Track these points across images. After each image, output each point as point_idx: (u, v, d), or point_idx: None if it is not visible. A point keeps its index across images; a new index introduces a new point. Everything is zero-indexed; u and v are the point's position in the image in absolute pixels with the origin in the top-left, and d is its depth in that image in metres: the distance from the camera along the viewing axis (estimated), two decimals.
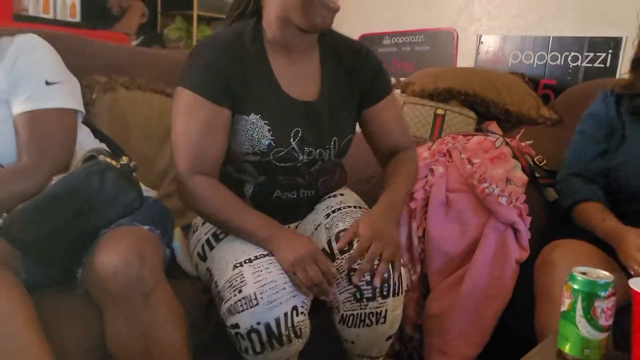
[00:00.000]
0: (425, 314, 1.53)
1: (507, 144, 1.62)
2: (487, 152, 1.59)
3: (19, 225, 0.98)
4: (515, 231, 1.45)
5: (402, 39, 2.80)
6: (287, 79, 1.15)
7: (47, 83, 1.11)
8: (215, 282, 1.08)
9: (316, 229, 1.22)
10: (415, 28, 2.75)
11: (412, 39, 2.76)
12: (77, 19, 2.92)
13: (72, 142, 1.14)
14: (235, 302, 1.00)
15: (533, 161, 1.68)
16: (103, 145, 1.28)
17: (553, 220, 1.56)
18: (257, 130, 1.11)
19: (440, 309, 1.49)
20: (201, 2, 3.36)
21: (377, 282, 1.06)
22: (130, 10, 3.08)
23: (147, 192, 1.30)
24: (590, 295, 0.74)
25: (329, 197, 1.29)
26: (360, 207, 1.25)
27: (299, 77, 1.17)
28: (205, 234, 1.19)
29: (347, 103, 1.23)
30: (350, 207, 1.24)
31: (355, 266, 1.07)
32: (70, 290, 1.04)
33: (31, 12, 2.73)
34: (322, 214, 1.23)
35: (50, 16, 2.80)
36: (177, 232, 1.29)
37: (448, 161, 1.61)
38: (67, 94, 1.14)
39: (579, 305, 0.75)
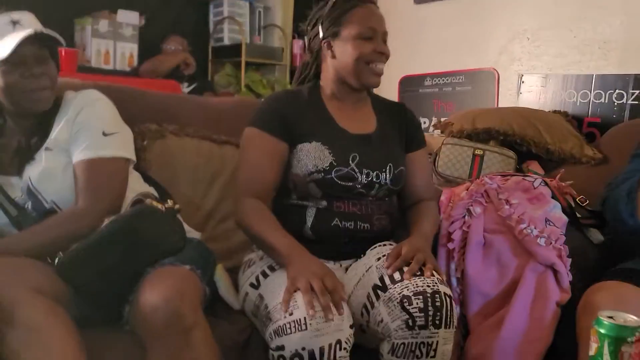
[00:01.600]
0: (465, 356, 1.51)
1: (546, 184, 1.60)
2: (526, 192, 1.59)
3: (73, 264, 1.07)
4: (556, 273, 1.43)
5: (443, 80, 2.84)
6: (342, 119, 1.36)
7: (104, 134, 1.22)
8: (266, 304, 1.15)
9: (367, 270, 1.26)
10: (456, 69, 2.78)
11: (453, 79, 2.79)
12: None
13: (123, 187, 1.23)
14: (285, 324, 1.06)
15: (575, 201, 1.65)
16: (152, 190, 1.37)
17: (599, 263, 1.53)
18: (319, 152, 1.29)
19: (480, 351, 1.47)
20: (249, 49, 3.53)
21: (427, 274, 1.15)
22: (168, 53, 3.25)
23: (191, 233, 1.38)
24: (617, 340, 0.74)
25: (380, 245, 1.34)
26: None
27: (354, 118, 1.39)
28: (261, 267, 1.27)
29: (398, 140, 1.42)
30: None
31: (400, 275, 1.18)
32: (118, 328, 1.11)
33: (93, 64, 2.96)
34: (373, 258, 1.29)
35: (110, 67, 3.02)
36: (220, 268, 1.35)
37: (486, 202, 1.61)
38: (121, 144, 1.25)
39: (605, 350, 0.74)
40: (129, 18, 3.11)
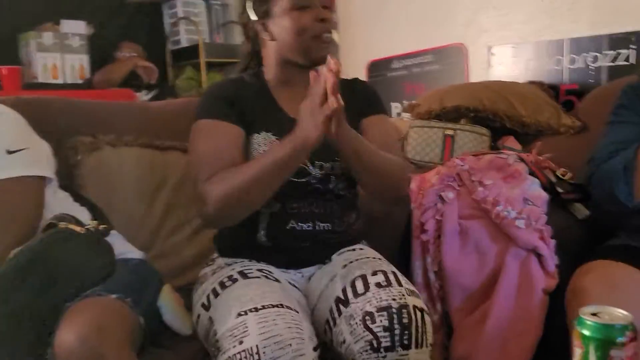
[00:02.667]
0: (451, 357, 1.38)
1: (521, 160, 1.47)
2: (500, 171, 1.46)
3: None
4: (540, 257, 1.30)
5: (411, 61, 2.70)
6: (291, 106, 1.18)
7: (9, 152, 1.07)
8: (215, 330, 1.00)
9: (331, 280, 1.14)
10: (423, 48, 2.64)
11: (421, 59, 2.66)
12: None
13: (35, 211, 1.08)
14: (235, 355, 0.93)
15: (556, 175, 1.52)
16: (83, 210, 1.22)
17: (585, 241, 1.40)
18: (268, 145, 1.14)
19: (466, 349, 1.34)
20: (208, 49, 3.37)
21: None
22: (120, 61, 3.10)
23: (131, 253, 1.24)
24: (604, 344, 0.60)
25: (347, 250, 1.22)
26: (380, 259, 1.18)
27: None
28: (212, 283, 1.12)
29: (353, 119, 1.18)
30: (368, 257, 1.18)
31: None
32: None
33: (41, 79, 2.79)
34: (338, 266, 1.16)
35: (60, 81, 2.85)
36: (166, 289, 1.21)
37: (458, 185, 1.47)
38: (30, 161, 1.10)
39: (592, 357, 0.60)
40: (75, 28, 2.94)
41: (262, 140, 1.15)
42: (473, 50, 2.45)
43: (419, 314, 1.01)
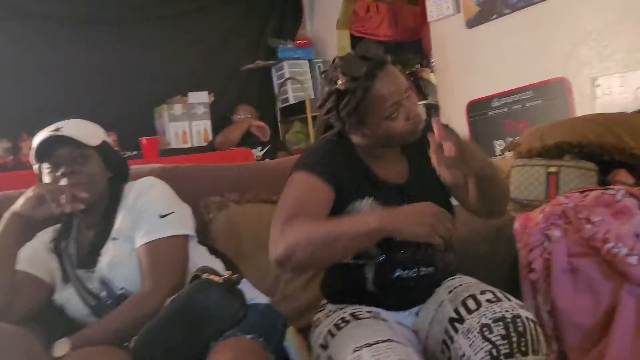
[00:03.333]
0: None
1: (631, 195, 1.45)
2: (608, 207, 1.45)
3: (144, 346, 1.12)
4: None
5: (511, 98, 2.72)
6: (381, 170, 1.26)
7: (161, 216, 1.28)
8: None
9: (440, 305, 1.21)
10: (522, 84, 2.65)
11: (522, 95, 2.67)
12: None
13: (184, 264, 1.28)
14: None
15: None
16: (217, 261, 1.41)
17: None
18: (373, 208, 1.19)
19: None
20: (314, 104, 3.62)
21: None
22: (236, 123, 3.39)
23: (258, 298, 1.38)
24: None
25: (448, 280, 1.29)
26: (482, 283, 1.24)
27: (390, 167, 1.28)
28: (327, 326, 1.23)
29: (434, 180, 1.21)
30: (471, 282, 1.24)
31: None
32: None
33: (173, 145, 3.18)
34: (444, 293, 1.24)
35: (188, 145, 3.23)
36: (291, 331, 1.34)
37: (565, 223, 1.48)
38: (178, 223, 1.30)
39: None
40: (199, 98, 3.34)
41: (366, 206, 1.19)
42: (576, 84, 2.43)
43: (532, 323, 1.05)
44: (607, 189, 1.52)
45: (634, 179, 1.77)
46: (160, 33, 3.51)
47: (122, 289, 1.27)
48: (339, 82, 1.16)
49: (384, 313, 1.23)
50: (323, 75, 1.25)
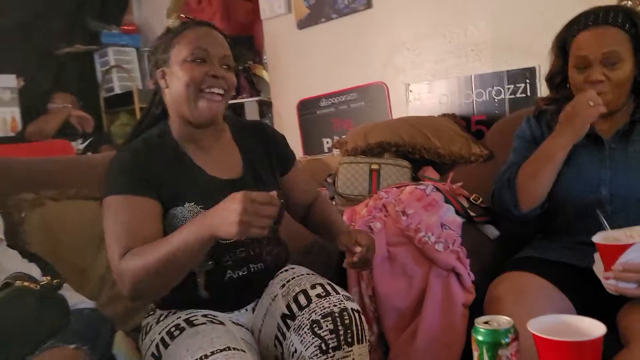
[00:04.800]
0: None
1: (437, 189, 1.65)
2: (420, 200, 1.63)
3: None
4: (458, 275, 1.47)
5: (338, 99, 2.89)
6: (208, 164, 1.22)
7: None
8: None
9: (273, 299, 1.23)
10: (348, 87, 2.84)
11: (347, 97, 2.85)
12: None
13: None
14: None
15: (468, 201, 1.71)
16: (32, 266, 1.27)
17: (498, 257, 1.58)
18: (194, 214, 1.14)
19: None
20: (142, 95, 3.45)
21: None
22: (52, 112, 3.11)
23: (82, 303, 1.28)
24: (493, 345, 0.75)
25: (281, 272, 1.31)
26: (313, 274, 1.28)
27: (220, 160, 1.24)
28: (160, 333, 1.17)
29: (269, 174, 1.30)
30: (303, 274, 1.27)
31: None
32: None
33: None
34: (277, 286, 1.25)
35: None
36: (119, 336, 1.27)
37: (385, 215, 1.63)
38: None
39: (485, 357, 0.75)
40: (5, 81, 2.95)
41: (187, 213, 1.13)
42: (393, 88, 2.67)
43: (356, 314, 1.13)
44: (419, 184, 1.71)
45: (439, 175, 2.02)
46: None
47: None
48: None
49: (220, 315, 1.22)
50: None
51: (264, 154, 1.31)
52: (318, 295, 1.17)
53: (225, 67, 1.18)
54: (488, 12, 2.31)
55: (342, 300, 1.15)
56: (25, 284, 1.05)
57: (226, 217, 0.95)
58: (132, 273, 1.03)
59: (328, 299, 1.15)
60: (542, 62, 2.12)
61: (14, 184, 1.52)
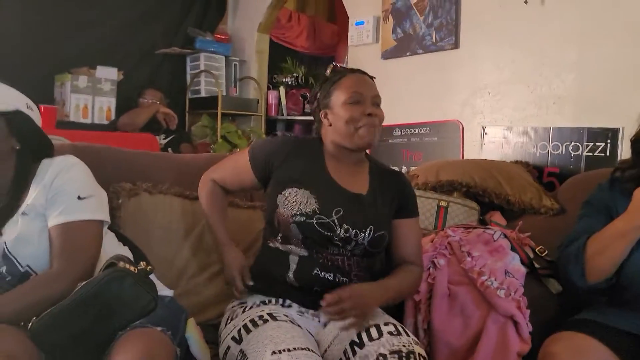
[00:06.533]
0: None
1: (505, 236, 1.68)
2: (487, 245, 1.66)
3: (45, 329, 1.09)
4: (516, 323, 1.49)
5: (411, 131, 2.96)
6: (337, 175, 1.44)
7: (79, 198, 1.26)
8: None
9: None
10: (423, 120, 2.91)
11: (421, 130, 2.91)
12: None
13: (97, 250, 1.27)
14: None
15: (534, 252, 1.73)
16: (125, 249, 1.41)
17: (558, 313, 1.59)
18: (306, 198, 1.36)
19: None
20: (225, 101, 3.63)
21: (341, 325, 1.27)
22: (143, 106, 3.31)
23: (164, 291, 1.40)
24: None
25: None
26: (385, 314, 1.38)
27: (349, 178, 1.45)
28: (244, 320, 1.29)
29: (388, 204, 1.46)
30: (378, 312, 1.37)
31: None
32: None
33: (72, 118, 3.01)
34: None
35: (88, 121, 3.07)
36: (191, 323, 1.37)
37: (449, 254, 1.68)
38: (96, 207, 1.29)
39: None
40: (108, 73, 3.20)
41: (300, 194, 1.37)
42: (468, 128, 2.71)
43: (422, 359, 1.20)
44: (487, 228, 1.75)
45: (505, 221, 2.04)
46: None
47: (26, 266, 1.22)
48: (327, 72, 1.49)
49: (297, 319, 1.32)
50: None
51: (388, 195, 1.47)
52: (390, 333, 1.25)
53: (375, 105, 1.42)
54: (576, 67, 2.33)
55: (411, 343, 1.22)
56: (127, 266, 1.17)
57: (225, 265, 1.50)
58: (200, 195, 1.57)
59: (399, 338, 1.23)
60: (626, 124, 2.15)
61: (115, 172, 1.66)
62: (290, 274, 1.36)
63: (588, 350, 1.27)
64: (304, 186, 1.38)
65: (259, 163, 1.46)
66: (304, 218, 1.34)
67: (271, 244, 1.41)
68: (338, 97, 1.41)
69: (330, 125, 1.42)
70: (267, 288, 1.40)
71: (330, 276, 1.35)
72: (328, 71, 1.50)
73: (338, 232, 1.35)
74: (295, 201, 1.36)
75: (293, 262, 1.36)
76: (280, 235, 1.38)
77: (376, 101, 1.42)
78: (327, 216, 1.35)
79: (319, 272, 1.35)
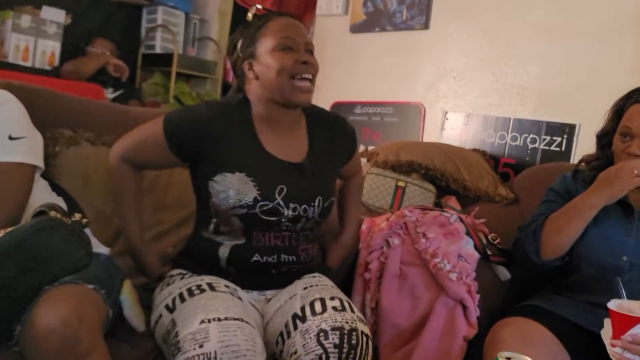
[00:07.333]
0: None
1: (461, 220, 1.66)
2: (442, 227, 1.64)
3: None
4: (465, 308, 1.48)
5: (372, 109, 2.90)
6: (271, 143, 1.26)
7: (11, 138, 1.13)
8: (177, 332, 1.08)
9: (291, 298, 1.25)
10: (385, 100, 2.86)
11: (382, 109, 2.86)
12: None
13: (26, 196, 1.14)
14: (194, 356, 1.02)
15: (487, 239, 1.72)
16: (59, 200, 1.28)
17: (505, 300, 1.59)
18: (242, 185, 1.18)
19: None
20: (181, 60, 3.45)
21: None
22: (92, 56, 3.12)
23: (100, 248, 1.30)
24: None
25: (307, 276, 1.33)
26: (336, 288, 1.31)
27: (286, 143, 1.28)
28: (180, 288, 1.20)
29: (332, 167, 1.35)
30: (327, 285, 1.30)
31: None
32: (5, 349, 1.01)
33: (10, 59, 2.77)
34: (300, 287, 1.27)
35: (28, 64, 2.84)
36: (127, 285, 1.27)
37: (404, 234, 1.64)
38: (28, 150, 1.16)
39: None
40: (54, 15, 2.96)
41: (235, 180, 1.18)
42: (430, 112, 2.68)
43: (365, 338, 1.15)
44: (444, 211, 1.72)
45: (460, 207, 2.03)
46: None
47: None
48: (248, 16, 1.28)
49: (240, 292, 1.24)
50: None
51: (334, 149, 1.35)
52: (334, 308, 1.18)
53: (309, 52, 1.23)
54: (541, 60, 2.33)
55: (355, 320, 1.16)
56: (59, 216, 1.05)
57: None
58: (114, 180, 1.32)
59: (342, 314, 1.16)
60: (583, 121, 2.18)
61: (54, 117, 1.52)
62: (223, 263, 1.23)
63: (534, 335, 1.28)
64: (237, 169, 1.19)
65: (177, 141, 1.21)
66: (246, 210, 1.18)
67: (202, 232, 1.27)
68: (265, 44, 1.21)
69: (257, 78, 1.22)
70: (200, 270, 1.27)
71: (273, 258, 1.24)
72: (250, 15, 1.28)
73: (286, 213, 1.22)
74: (232, 190, 1.18)
75: (223, 252, 1.23)
76: (215, 223, 1.24)
77: (309, 48, 1.24)
78: (270, 200, 1.20)
79: (259, 258, 1.23)
